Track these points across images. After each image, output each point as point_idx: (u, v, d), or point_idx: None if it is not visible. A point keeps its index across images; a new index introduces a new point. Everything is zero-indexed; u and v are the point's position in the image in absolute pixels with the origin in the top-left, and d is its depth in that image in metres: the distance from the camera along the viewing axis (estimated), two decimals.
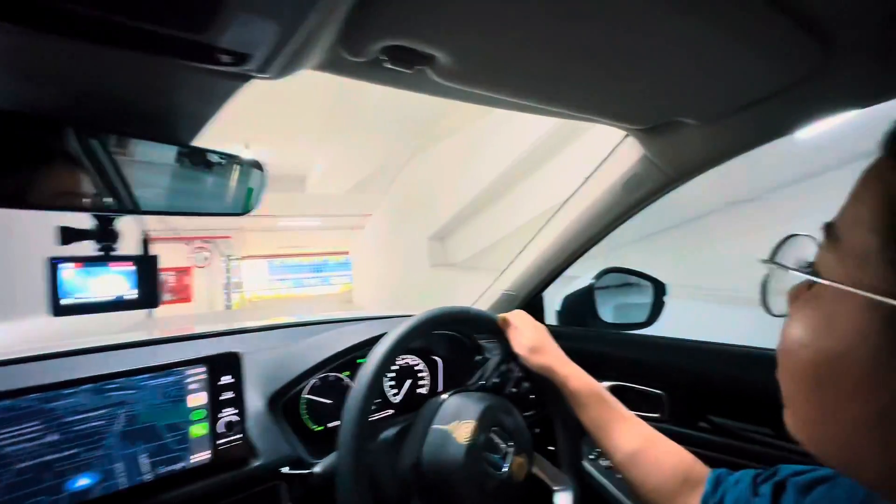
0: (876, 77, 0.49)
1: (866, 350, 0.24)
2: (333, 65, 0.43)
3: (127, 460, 0.57)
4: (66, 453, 0.54)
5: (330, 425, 0.88)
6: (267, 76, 0.41)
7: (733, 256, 2.29)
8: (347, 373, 0.93)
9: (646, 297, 1.22)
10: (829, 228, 0.29)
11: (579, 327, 1.18)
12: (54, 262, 0.49)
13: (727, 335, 0.90)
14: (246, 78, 0.41)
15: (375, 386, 0.60)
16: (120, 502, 0.56)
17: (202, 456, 0.62)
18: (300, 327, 1.07)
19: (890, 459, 0.24)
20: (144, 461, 0.58)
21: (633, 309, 1.23)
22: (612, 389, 1.04)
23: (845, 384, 0.26)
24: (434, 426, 0.67)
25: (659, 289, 1.22)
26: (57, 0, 0.28)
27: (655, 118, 0.62)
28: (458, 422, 0.66)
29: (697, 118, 0.61)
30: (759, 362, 0.80)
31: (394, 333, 0.65)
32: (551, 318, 1.24)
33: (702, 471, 0.54)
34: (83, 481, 0.54)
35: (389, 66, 0.43)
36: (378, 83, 0.49)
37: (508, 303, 1.14)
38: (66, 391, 0.54)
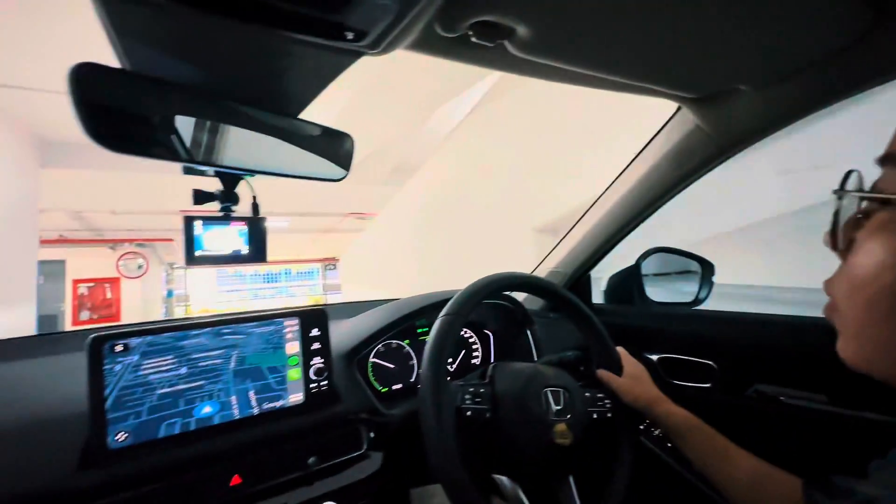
0: None
1: None
2: (425, 41, 0.50)
3: (239, 394, 0.67)
4: (194, 384, 0.64)
5: (394, 387, 0.96)
6: (374, 52, 0.48)
7: None
8: (407, 341, 1.01)
9: (693, 277, 1.24)
10: (888, 158, 0.33)
11: (626, 305, 1.21)
12: (188, 219, 0.59)
13: None
14: (358, 54, 0.49)
15: (458, 320, 0.67)
16: (233, 430, 0.65)
17: (297, 397, 0.71)
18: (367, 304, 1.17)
19: None
20: (252, 397, 0.68)
21: (680, 289, 1.25)
22: (662, 361, 1.07)
23: None
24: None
25: (707, 269, 1.23)
26: None
27: (712, 86, 0.66)
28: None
29: (751, 84, 0.64)
30: (807, 330, 0.82)
31: (484, 279, 0.72)
32: (598, 297, 1.27)
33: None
34: (206, 409, 0.64)
35: (474, 41, 0.50)
36: (458, 60, 0.56)
37: (557, 281, 1.19)
38: (193, 332, 0.64)
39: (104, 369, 0.57)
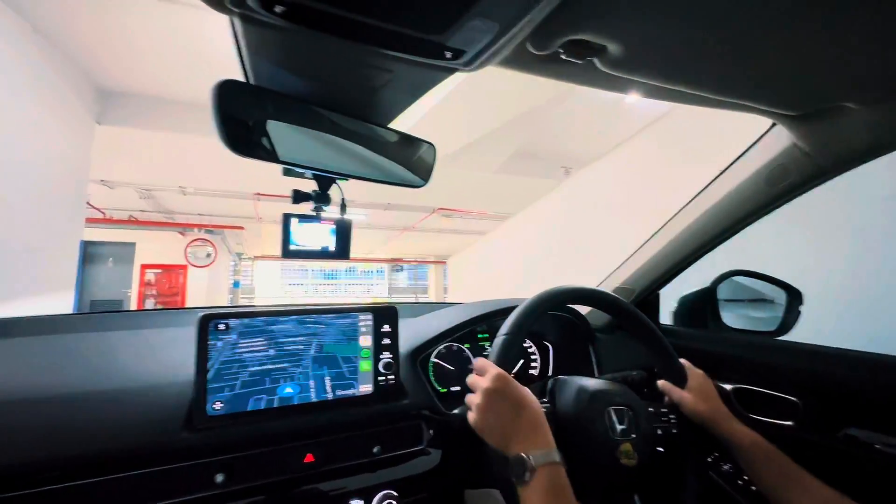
0: None
1: None
2: (516, 59, 0.52)
3: (316, 379, 0.72)
4: (279, 366, 0.70)
5: (452, 389, 0.98)
6: (467, 69, 0.51)
7: None
8: (468, 345, 1.03)
9: (776, 305, 1.15)
10: None
11: (697, 329, 1.15)
12: (287, 216, 0.65)
13: None
14: (451, 71, 0.52)
15: (518, 339, 0.68)
16: (309, 411, 0.71)
17: (367, 387, 0.76)
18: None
19: None
20: (327, 383, 0.73)
21: (760, 316, 1.17)
22: (737, 392, 1.00)
23: None
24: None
25: (794, 297, 1.14)
26: (332, 6, 0.40)
27: (814, 103, 0.61)
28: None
29: (860, 101, 0.59)
30: None
31: (547, 292, 0.74)
32: (665, 318, 1.22)
33: None
34: (288, 390, 0.70)
35: (564, 58, 0.51)
36: (546, 76, 0.57)
37: (623, 297, 1.15)
38: (282, 318, 0.71)
39: (209, 344, 0.65)
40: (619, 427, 0.68)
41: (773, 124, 0.76)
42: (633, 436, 0.68)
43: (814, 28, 0.45)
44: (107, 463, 0.57)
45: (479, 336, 1.06)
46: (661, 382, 0.79)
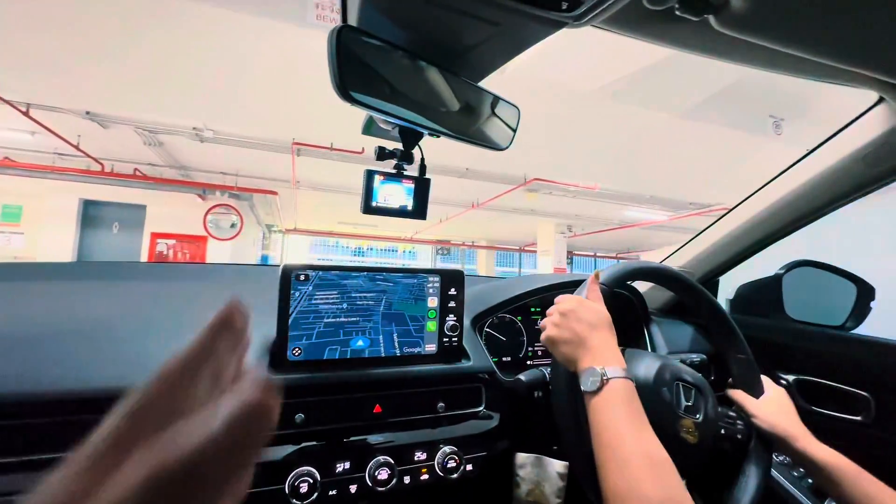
0: None
1: None
2: (628, 17, 0.50)
3: (385, 335, 0.74)
4: (351, 319, 0.72)
5: (503, 359, 1.00)
6: (575, 24, 0.50)
7: None
8: (520, 317, 1.03)
9: (845, 299, 1.10)
10: None
11: (757, 317, 1.11)
12: (370, 172, 0.66)
13: None
14: (559, 26, 0.50)
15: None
16: (378, 364, 0.73)
17: (431, 346, 0.78)
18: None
19: None
20: (395, 339, 0.75)
21: (827, 308, 1.12)
22: (800, 384, 0.97)
23: None
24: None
25: (864, 292, 1.08)
26: None
27: None
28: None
29: None
30: None
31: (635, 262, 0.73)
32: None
33: None
34: (360, 343, 0.72)
35: (678, 14, 0.48)
36: (653, 38, 0.55)
37: None
38: (354, 274, 0.73)
39: (291, 293, 0.68)
40: (684, 403, 0.68)
41: (879, 100, 0.71)
42: (698, 416, 0.68)
43: None
44: None
45: (532, 310, 1.06)
46: (733, 392, 0.77)
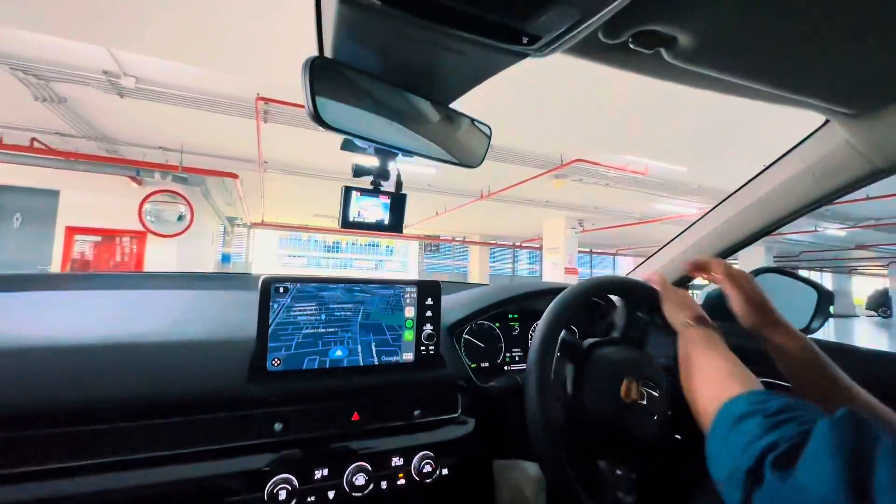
0: None
1: None
2: (586, 47, 0.54)
3: (363, 345, 0.77)
4: (330, 330, 0.74)
5: (481, 364, 1.02)
6: (538, 55, 0.53)
7: None
8: (498, 324, 1.06)
9: (807, 303, 1.15)
10: None
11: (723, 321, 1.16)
12: (348, 189, 0.68)
13: None
14: (522, 56, 0.53)
15: (569, 307, 0.71)
16: (357, 373, 0.76)
17: (409, 355, 0.80)
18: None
19: None
20: (373, 348, 0.77)
21: (792, 312, 1.17)
22: (768, 387, 1.02)
23: None
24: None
25: (823, 298, 1.14)
26: None
27: (874, 100, 0.62)
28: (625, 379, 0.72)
29: None
30: None
31: (590, 280, 0.76)
32: None
33: None
34: (338, 352, 0.75)
35: (632, 48, 0.52)
36: (611, 65, 0.58)
37: None
38: (332, 286, 0.75)
39: (270, 305, 0.70)
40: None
41: (827, 121, 0.76)
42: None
43: (882, 24, 0.46)
44: (181, 406, 0.62)
45: (510, 316, 1.09)
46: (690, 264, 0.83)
